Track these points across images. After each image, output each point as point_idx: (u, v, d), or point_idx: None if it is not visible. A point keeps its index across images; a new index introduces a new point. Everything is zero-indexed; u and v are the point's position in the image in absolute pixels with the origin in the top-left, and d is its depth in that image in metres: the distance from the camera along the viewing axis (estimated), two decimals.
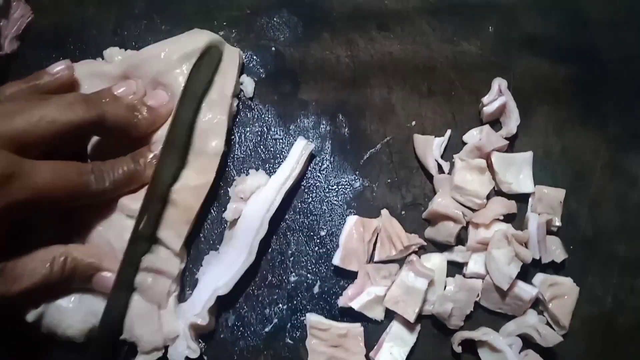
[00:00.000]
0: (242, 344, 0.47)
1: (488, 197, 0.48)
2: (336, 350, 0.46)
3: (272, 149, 0.51)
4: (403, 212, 0.50)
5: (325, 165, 0.51)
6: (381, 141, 0.52)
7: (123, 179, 0.43)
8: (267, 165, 0.51)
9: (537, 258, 0.47)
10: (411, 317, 0.45)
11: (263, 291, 0.48)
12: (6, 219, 0.38)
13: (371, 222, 0.48)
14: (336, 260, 0.47)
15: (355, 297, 0.46)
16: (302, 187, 0.50)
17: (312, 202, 0.50)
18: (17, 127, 0.38)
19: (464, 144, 0.51)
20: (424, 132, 0.51)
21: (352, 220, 0.48)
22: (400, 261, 0.48)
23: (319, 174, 0.51)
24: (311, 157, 0.51)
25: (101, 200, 0.43)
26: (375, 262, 0.48)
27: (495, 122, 0.52)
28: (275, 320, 0.47)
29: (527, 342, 0.46)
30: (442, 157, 0.50)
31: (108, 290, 0.42)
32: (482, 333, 0.45)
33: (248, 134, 0.52)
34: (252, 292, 0.48)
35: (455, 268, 0.48)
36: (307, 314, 0.47)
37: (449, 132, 0.51)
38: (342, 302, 0.46)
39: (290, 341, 0.47)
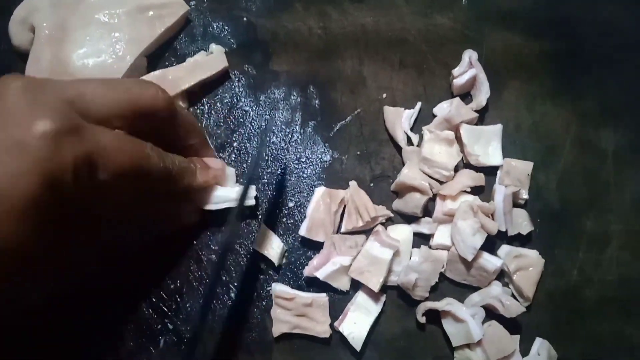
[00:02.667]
0: (208, 313, 0.47)
1: (456, 170, 0.48)
2: (301, 319, 0.46)
3: (241, 119, 0.51)
4: (372, 184, 0.50)
5: (295, 137, 0.51)
6: (352, 113, 0.51)
7: (178, 169, 0.41)
8: (235, 135, 0.50)
9: (503, 230, 0.47)
10: (375, 287, 0.45)
11: (230, 260, 0.48)
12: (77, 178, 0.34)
13: (338, 192, 0.48)
14: (302, 231, 0.47)
15: (320, 267, 0.46)
16: (271, 158, 0.50)
17: (281, 174, 0.50)
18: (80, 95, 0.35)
19: (435, 116, 0.51)
20: (395, 105, 0.51)
21: (319, 191, 0.48)
22: (367, 232, 0.48)
23: (288, 146, 0.51)
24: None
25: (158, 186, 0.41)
26: (342, 233, 0.48)
27: (467, 96, 0.52)
28: (242, 290, 0.47)
29: (491, 313, 0.46)
30: (412, 129, 0.50)
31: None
32: (446, 303, 0.45)
33: (218, 104, 0.51)
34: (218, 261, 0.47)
35: (422, 240, 0.48)
36: (273, 284, 0.47)
37: (419, 104, 0.51)
38: (307, 271, 0.46)
39: (255, 310, 0.47)
